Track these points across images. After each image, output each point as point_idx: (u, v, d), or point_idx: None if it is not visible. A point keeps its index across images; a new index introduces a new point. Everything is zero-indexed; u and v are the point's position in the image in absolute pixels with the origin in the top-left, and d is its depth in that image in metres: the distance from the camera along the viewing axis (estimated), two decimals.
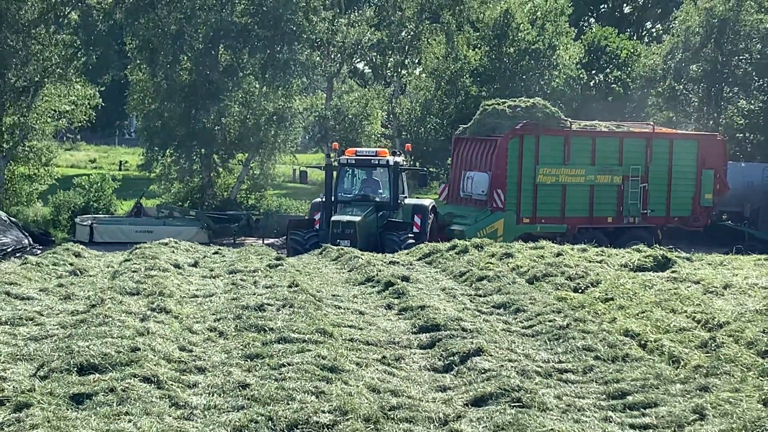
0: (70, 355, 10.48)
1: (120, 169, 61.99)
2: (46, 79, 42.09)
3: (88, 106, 44.77)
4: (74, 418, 8.53)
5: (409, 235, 28.29)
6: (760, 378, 10.45)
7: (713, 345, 11.84)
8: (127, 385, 9.50)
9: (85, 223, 37.00)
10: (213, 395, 9.85)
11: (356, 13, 55.59)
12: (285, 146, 46.19)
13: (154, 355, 10.77)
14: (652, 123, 40.50)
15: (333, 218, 28.07)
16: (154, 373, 10.04)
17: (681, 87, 52.64)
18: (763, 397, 9.65)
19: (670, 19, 61.84)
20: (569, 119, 35.97)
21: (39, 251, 29.43)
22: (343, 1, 58.01)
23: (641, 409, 9.82)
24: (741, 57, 51.19)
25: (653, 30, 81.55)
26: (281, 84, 44.36)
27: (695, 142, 36.11)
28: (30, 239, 34.64)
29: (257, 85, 44.88)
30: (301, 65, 44.84)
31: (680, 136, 37.62)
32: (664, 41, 57.53)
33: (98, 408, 8.96)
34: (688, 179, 35.34)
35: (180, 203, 44.08)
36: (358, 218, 27.79)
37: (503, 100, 37.01)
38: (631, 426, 9.38)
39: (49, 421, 8.31)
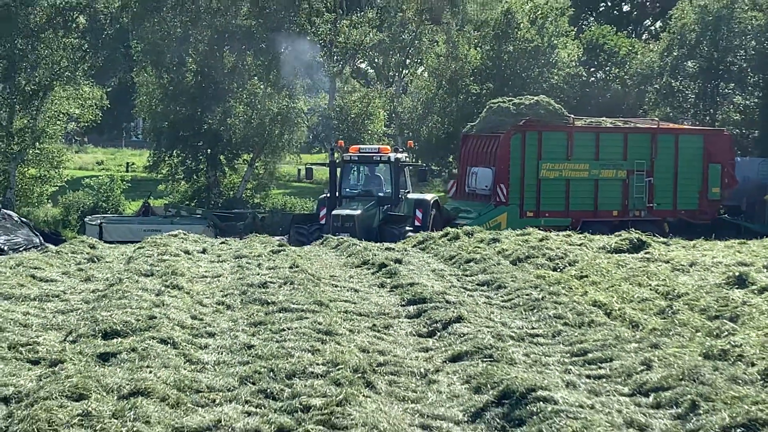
0: (95, 323, 11.85)
1: (127, 171, 63.23)
2: (55, 82, 43.24)
3: (96, 107, 45.91)
4: (102, 372, 9.87)
5: (408, 227, 29.48)
6: (706, 337, 11.78)
7: (670, 312, 13.18)
8: (146, 346, 10.90)
9: (94, 223, 37.65)
10: (222, 354, 11.26)
11: (358, 15, 56.82)
12: (289, 146, 47.33)
13: (169, 323, 12.16)
14: (657, 119, 41.64)
15: (333, 212, 29.30)
16: (170, 336, 11.46)
17: (677, 83, 53.63)
18: (704, 351, 10.98)
19: (667, 17, 62.88)
20: (573, 116, 37.09)
21: None
22: (346, 3, 59.30)
23: (598, 364, 11.16)
24: (736, 53, 52.12)
25: (652, 28, 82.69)
26: (285, 85, 45.55)
27: (701, 137, 37.08)
28: (41, 238, 35.84)
29: (262, 86, 45.99)
30: (304, 66, 46.07)
31: (686, 131, 38.54)
32: (661, 38, 58.62)
33: (123, 364, 10.34)
34: (694, 173, 36.11)
35: (187, 202, 45.15)
36: (357, 212, 28.98)
37: (509, 98, 38.18)
38: (588, 376, 10.70)
39: (81, 373, 9.61)
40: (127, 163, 67.29)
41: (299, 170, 62.14)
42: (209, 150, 45.65)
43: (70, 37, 44.23)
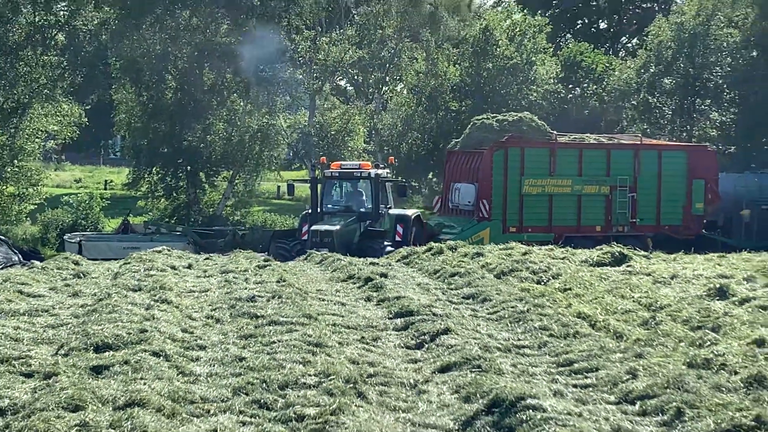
0: (86, 336, 12.00)
1: (105, 188, 63.08)
2: (33, 100, 43.12)
3: (74, 124, 45.73)
4: (96, 384, 9.99)
5: (388, 243, 29.63)
6: (690, 347, 12.01)
7: (653, 323, 13.44)
8: (139, 359, 11.06)
9: (73, 241, 37.37)
10: (214, 366, 11.44)
11: (338, 32, 57.05)
12: (269, 163, 47.41)
13: (161, 336, 12.32)
14: (640, 135, 41.98)
15: (312, 227, 29.45)
16: (162, 348, 11.63)
17: (655, 100, 54.06)
18: (688, 360, 11.22)
19: (644, 34, 63.44)
20: (555, 132, 37.36)
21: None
22: (325, 21, 59.58)
23: (584, 373, 11.39)
24: (712, 70, 52.59)
25: (629, 45, 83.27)
26: (265, 102, 45.65)
27: (684, 153, 37.33)
28: (20, 256, 35.75)
29: (241, 103, 46.06)
30: (284, 83, 46.21)
31: (669, 147, 38.78)
32: (638, 55, 59.10)
33: (116, 376, 10.49)
34: (678, 189, 36.21)
35: (166, 220, 45.06)
36: (336, 227, 29.10)
37: (493, 115, 38.49)
38: (574, 385, 10.93)
39: (75, 385, 9.74)
40: (106, 181, 67.11)
41: (279, 187, 62.25)
42: (189, 167, 45.58)
43: (49, 54, 44.13)
